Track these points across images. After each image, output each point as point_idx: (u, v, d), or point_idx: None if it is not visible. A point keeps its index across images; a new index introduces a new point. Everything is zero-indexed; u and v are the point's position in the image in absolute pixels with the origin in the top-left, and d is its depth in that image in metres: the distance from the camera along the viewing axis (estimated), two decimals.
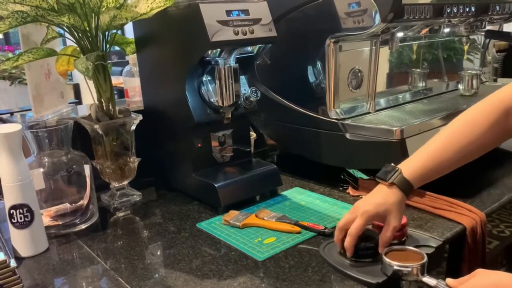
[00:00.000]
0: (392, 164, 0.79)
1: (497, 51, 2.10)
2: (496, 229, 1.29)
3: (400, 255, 0.72)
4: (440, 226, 0.86)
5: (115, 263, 0.81)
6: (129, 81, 1.37)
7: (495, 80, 1.89)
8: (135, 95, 1.35)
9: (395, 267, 0.69)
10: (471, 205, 0.91)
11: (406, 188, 0.77)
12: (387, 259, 0.70)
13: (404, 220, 0.81)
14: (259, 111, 1.21)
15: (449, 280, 0.66)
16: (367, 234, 0.76)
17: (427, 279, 0.68)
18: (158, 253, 0.85)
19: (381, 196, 0.77)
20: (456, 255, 0.88)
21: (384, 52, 1.21)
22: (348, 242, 0.74)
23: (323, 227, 0.86)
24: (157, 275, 0.76)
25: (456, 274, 0.88)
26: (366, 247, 0.74)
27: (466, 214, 0.88)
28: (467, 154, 0.79)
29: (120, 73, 1.66)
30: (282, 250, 0.81)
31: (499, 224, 1.30)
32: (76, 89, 3.62)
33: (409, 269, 0.69)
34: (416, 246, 0.79)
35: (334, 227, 0.87)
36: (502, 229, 1.29)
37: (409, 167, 0.78)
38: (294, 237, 0.85)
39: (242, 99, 1.03)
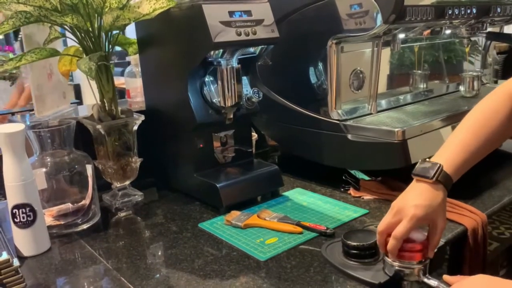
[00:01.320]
0: (427, 159, 0.74)
1: (497, 53, 2.10)
2: (496, 230, 1.29)
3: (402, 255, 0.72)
4: None
5: (117, 263, 0.81)
6: (131, 82, 1.37)
7: (496, 82, 1.89)
8: (136, 96, 1.35)
9: (397, 267, 0.69)
10: (472, 206, 0.92)
11: (449, 183, 0.72)
12: (389, 259, 0.70)
13: None
14: (261, 112, 1.21)
15: (446, 277, 0.66)
16: (368, 235, 0.76)
17: (428, 280, 0.68)
18: (160, 253, 0.85)
19: (427, 197, 0.71)
20: (457, 256, 0.88)
21: (386, 54, 1.21)
22: (394, 245, 0.69)
23: (325, 228, 0.87)
24: (159, 275, 0.77)
25: (457, 275, 0.88)
26: (368, 247, 0.74)
27: (467, 215, 0.88)
28: (493, 142, 0.77)
29: (121, 74, 1.66)
30: (284, 250, 0.81)
31: (499, 226, 1.31)
32: (77, 89, 3.61)
33: (411, 269, 0.69)
34: None
35: (335, 228, 0.88)
36: (502, 231, 1.29)
37: (447, 160, 0.73)
38: (296, 237, 0.86)
39: (244, 99, 1.03)
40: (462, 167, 0.74)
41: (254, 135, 1.31)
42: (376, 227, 0.76)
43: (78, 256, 0.85)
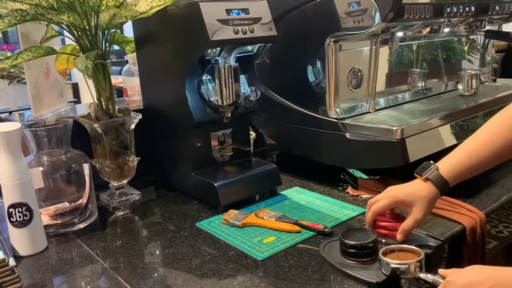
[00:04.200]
0: (431, 161, 0.81)
1: (496, 52, 2.10)
2: (494, 229, 1.29)
3: (399, 254, 0.72)
4: (440, 226, 0.86)
5: (114, 262, 0.80)
6: (129, 80, 1.37)
7: (495, 80, 1.89)
8: (134, 94, 1.35)
9: (393, 265, 0.69)
10: (470, 205, 0.91)
11: (442, 184, 0.78)
12: (384, 258, 0.70)
13: (404, 219, 0.81)
14: (259, 111, 1.20)
15: (441, 270, 0.67)
16: (366, 234, 0.76)
17: (424, 275, 0.68)
18: (158, 252, 0.85)
19: (413, 187, 0.79)
20: (456, 255, 0.88)
21: (384, 52, 1.21)
22: (368, 216, 0.80)
23: (323, 227, 0.86)
24: (156, 274, 0.76)
25: (452, 268, 0.88)
26: (366, 246, 0.74)
27: (466, 214, 0.88)
28: (504, 153, 0.80)
29: (119, 73, 1.66)
30: (281, 249, 0.81)
31: (498, 224, 1.30)
32: (75, 88, 3.61)
33: (407, 266, 0.69)
34: (416, 246, 0.79)
35: (333, 227, 0.88)
36: (501, 230, 1.29)
37: (446, 165, 0.79)
38: (294, 236, 0.85)
39: (242, 98, 1.03)
40: (463, 173, 0.79)
41: (252, 134, 1.30)
42: None
43: (75, 256, 0.84)
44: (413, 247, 0.74)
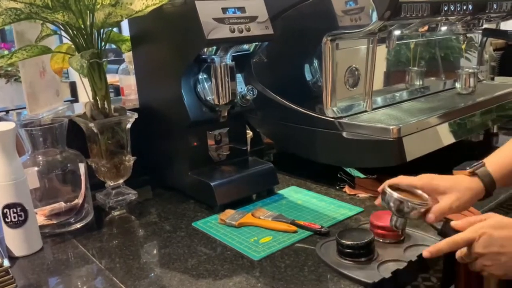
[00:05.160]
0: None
1: (494, 50, 2.09)
2: None
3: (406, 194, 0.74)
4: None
5: (110, 263, 0.80)
6: (125, 79, 1.36)
7: (493, 79, 1.88)
8: (131, 93, 1.34)
9: (410, 204, 0.70)
10: None
11: (489, 181, 0.73)
12: (389, 189, 0.72)
13: None
14: (256, 110, 1.20)
15: (454, 223, 0.67)
16: (363, 234, 0.76)
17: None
18: (154, 252, 0.84)
19: (455, 178, 0.75)
20: (453, 254, 0.87)
21: (382, 51, 1.20)
22: (390, 181, 0.76)
23: (320, 226, 0.86)
24: (152, 274, 0.76)
25: (452, 273, 0.88)
26: (362, 246, 0.73)
27: (463, 213, 0.87)
28: None
29: (117, 71, 1.65)
30: (278, 249, 0.80)
31: None
32: (73, 87, 3.60)
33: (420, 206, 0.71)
34: (413, 246, 0.79)
35: (330, 226, 0.88)
36: None
37: (493, 163, 0.74)
38: (291, 236, 0.85)
39: (238, 97, 1.02)
40: (510, 175, 0.75)
41: (249, 133, 1.30)
42: None
43: (70, 256, 0.84)
44: (420, 192, 0.74)
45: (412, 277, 0.78)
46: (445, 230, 0.70)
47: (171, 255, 0.81)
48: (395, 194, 0.72)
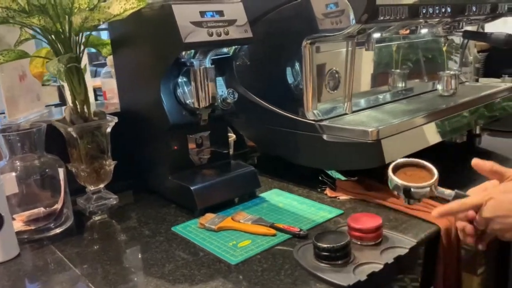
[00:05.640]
0: None
1: (479, 52, 2.11)
2: None
3: (406, 171, 0.74)
4: (415, 227, 0.86)
5: (87, 269, 0.79)
6: (108, 83, 1.35)
7: (477, 80, 1.90)
8: (113, 97, 1.33)
9: (414, 189, 0.71)
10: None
11: None
12: (391, 173, 0.71)
13: (379, 221, 0.82)
14: (239, 113, 1.20)
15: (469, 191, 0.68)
16: (339, 237, 0.76)
17: (440, 192, 0.71)
18: (131, 257, 0.84)
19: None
20: (432, 256, 0.88)
21: (365, 53, 1.20)
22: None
23: (298, 229, 0.86)
24: (128, 280, 0.75)
25: (432, 275, 0.89)
26: (338, 249, 0.73)
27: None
28: None
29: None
30: (256, 253, 0.80)
31: None
32: (60, 91, 3.57)
33: (427, 189, 0.71)
34: (390, 248, 0.79)
35: (310, 229, 0.88)
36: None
37: None
38: (269, 239, 0.85)
39: (219, 100, 1.02)
40: None
41: (232, 136, 1.30)
42: None
43: (47, 262, 0.83)
44: (424, 163, 0.74)
45: (388, 279, 0.78)
46: (458, 197, 0.71)
47: (149, 260, 0.81)
48: (399, 182, 0.72)
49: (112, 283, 0.74)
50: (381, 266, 0.73)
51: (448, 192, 0.72)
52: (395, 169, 0.74)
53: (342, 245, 0.73)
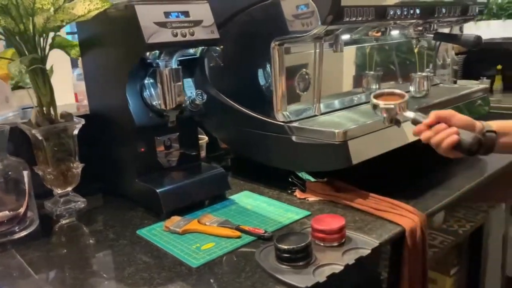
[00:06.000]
0: None
1: (457, 54, 2.13)
2: (452, 228, 1.31)
3: (387, 98, 0.89)
4: (379, 228, 0.86)
5: (45, 273, 0.78)
6: (79, 85, 1.34)
7: (455, 82, 1.92)
8: (84, 99, 1.32)
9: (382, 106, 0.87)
10: (412, 206, 0.91)
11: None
12: (375, 100, 0.88)
13: (342, 222, 0.81)
14: (211, 115, 1.19)
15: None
16: (301, 238, 0.75)
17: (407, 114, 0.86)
18: (92, 261, 0.83)
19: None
20: (397, 257, 0.88)
21: (338, 55, 1.20)
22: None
23: (263, 231, 0.85)
24: (86, 284, 0.74)
25: (397, 276, 0.88)
26: (298, 250, 0.73)
27: (406, 216, 0.88)
28: None
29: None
30: (218, 255, 0.79)
31: (453, 224, 1.32)
32: None
33: (393, 106, 0.86)
34: (352, 249, 0.79)
35: (275, 231, 0.87)
36: (456, 229, 1.31)
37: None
38: (234, 242, 0.84)
39: (187, 102, 1.01)
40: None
41: (205, 138, 1.29)
42: None
43: (5, 267, 0.81)
44: (399, 91, 0.89)
45: (349, 280, 0.78)
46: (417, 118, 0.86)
47: (110, 264, 0.80)
48: (374, 100, 0.88)
49: None
50: (342, 268, 0.73)
51: (408, 113, 0.87)
52: (379, 96, 0.89)
53: (302, 247, 0.73)
